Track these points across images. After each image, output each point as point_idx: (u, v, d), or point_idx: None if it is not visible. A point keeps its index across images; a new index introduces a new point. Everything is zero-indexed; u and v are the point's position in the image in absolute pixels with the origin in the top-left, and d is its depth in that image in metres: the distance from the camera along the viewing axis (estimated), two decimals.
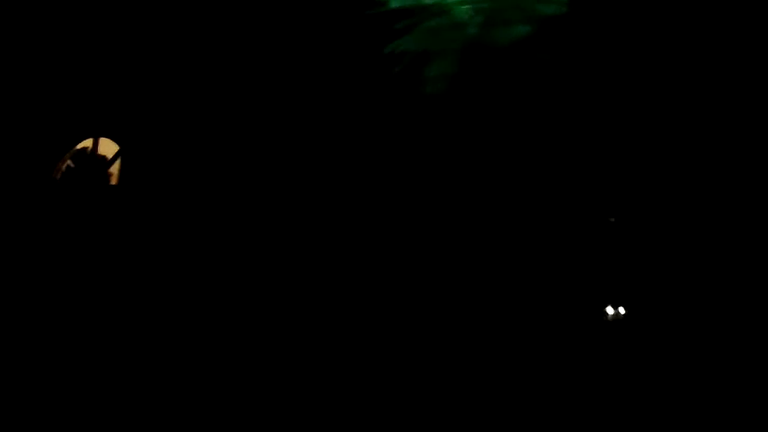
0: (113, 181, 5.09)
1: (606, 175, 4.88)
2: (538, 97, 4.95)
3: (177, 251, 4.92)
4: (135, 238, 4.92)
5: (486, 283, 4.80)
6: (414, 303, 4.76)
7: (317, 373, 4.46)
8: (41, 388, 4.51)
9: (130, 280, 4.85)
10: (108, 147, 5.08)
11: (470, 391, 4.36)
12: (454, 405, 4.28)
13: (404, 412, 4.25)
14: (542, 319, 4.72)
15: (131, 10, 4.96)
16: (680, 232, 4.75)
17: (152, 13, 5.00)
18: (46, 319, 4.79)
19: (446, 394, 4.34)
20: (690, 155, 4.76)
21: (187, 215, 4.96)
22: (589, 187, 4.85)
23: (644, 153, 4.85)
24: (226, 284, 4.89)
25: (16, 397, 4.36)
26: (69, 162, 5.05)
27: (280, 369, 4.50)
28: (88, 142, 5.08)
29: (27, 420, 4.23)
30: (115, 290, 4.83)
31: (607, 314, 4.77)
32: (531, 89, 4.95)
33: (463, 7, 4.97)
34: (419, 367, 4.47)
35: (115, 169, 5.06)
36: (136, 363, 4.66)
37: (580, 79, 4.94)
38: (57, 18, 4.95)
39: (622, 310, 4.77)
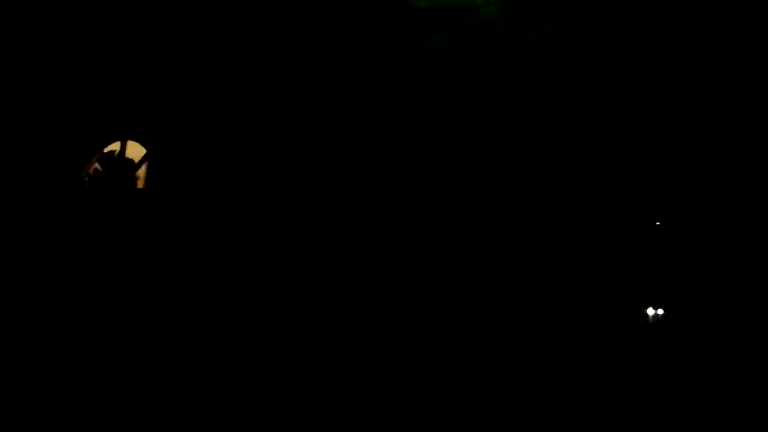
0: (140, 184, 5.07)
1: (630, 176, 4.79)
2: (563, 97, 4.88)
3: (201, 254, 4.88)
4: (160, 241, 4.89)
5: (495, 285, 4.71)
6: (421, 303, 4.67)
7: (316, 372, 4.40)
8: (52, 387, 4.47)
9: (154, 283, 4.82)
10: (135, 150, 5.07)
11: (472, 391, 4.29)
12: (454, 405, 4.21)
13: (402, 412, 4.17)
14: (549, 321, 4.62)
15: (159, 16, 5.00)
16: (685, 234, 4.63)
17: (178, 18, 5.03)
18: (70, 320, 4.77)
19: (447, 394, 4.27)
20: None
21: (211, 219, 4.92)
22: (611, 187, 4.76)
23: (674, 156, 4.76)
24: (249, 284, 4.83)
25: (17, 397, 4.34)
26: (96, 165, 5.05)
27: (279, 369, 4.45)
28: (115, 145, 5.07)
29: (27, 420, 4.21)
30: (139, 292, 4.79)
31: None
32: (557, 89, 4.89)
33: (491, 7, 4.95)
34: (418, 367, 4.40)
35: (141, 172, 5.05)
36: (158, 362, 4.62)
37: (605, 79, 4.87)
38: (87, 22, 5.00)
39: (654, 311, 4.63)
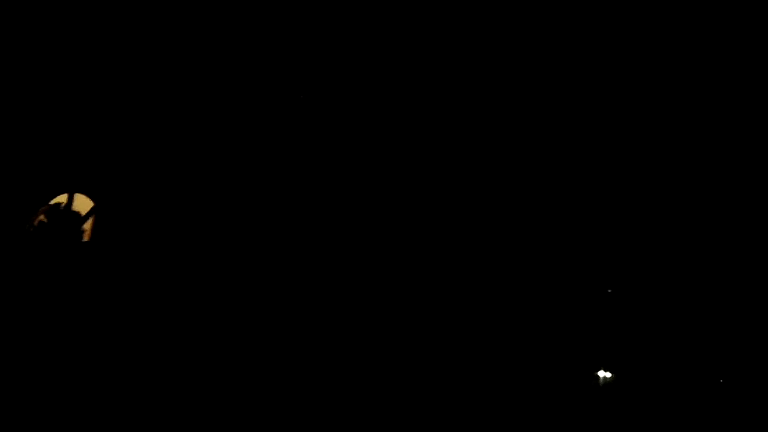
0: (86, 237, 4.99)
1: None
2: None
3: (150, 310, 4.79)
4: (108, 294, 4.80)
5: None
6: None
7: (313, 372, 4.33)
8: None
9: (104, 333, 4.71)
10: (82, 203, 5.00)
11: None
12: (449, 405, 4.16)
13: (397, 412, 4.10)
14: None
15: (103, 65, 4.98)
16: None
17: (121, 69, 5.02)
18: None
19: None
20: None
21: (161, 272, 4.85)
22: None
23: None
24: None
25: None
26: (42, 217, 4.96)
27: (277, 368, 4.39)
28: (62, 198, 5.00)
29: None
30: (90, 342, 4.68)
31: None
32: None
33: None
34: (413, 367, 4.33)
35: (88, 225, 4.97)
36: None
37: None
38: (35, 71, 4.97)
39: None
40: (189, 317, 4.81)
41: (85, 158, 4.95)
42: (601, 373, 4.53)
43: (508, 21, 4.76)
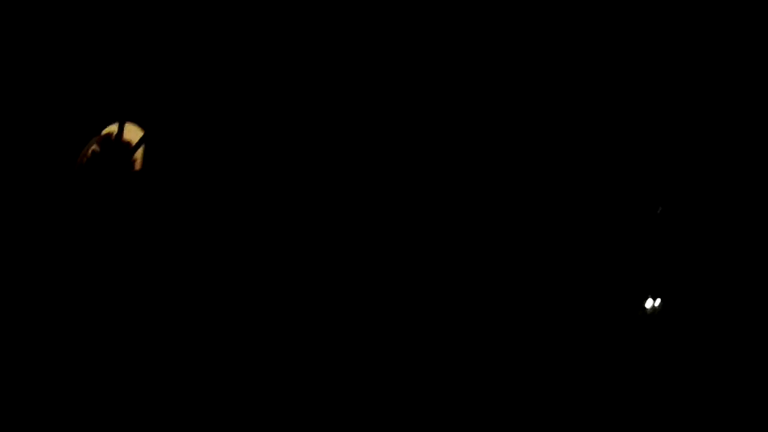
0: (137, 166, 5.08)
1: None
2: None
3: (198, 239, 4.87)
4: (158, 224, 4.90)
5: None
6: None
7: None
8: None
9: (151, 267, 4.83)
10: (133, 132, 5.07)
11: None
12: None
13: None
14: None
15: None
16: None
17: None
18: (65, 307, 4.80)
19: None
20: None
21: (210, 201, 4.92)
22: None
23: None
24: (248, 273, 4.82)
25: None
26: (94, 147, 5.06)
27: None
28: (113, 128, 5.08)
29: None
30: (136, 275, 4.81)
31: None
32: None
33: None
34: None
35: (139, 154, 5.06)
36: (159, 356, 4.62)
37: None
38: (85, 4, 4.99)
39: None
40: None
41: (134, 87, 5.01)
42: (649, 302, 4.47)
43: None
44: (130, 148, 5.08)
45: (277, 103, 5.00)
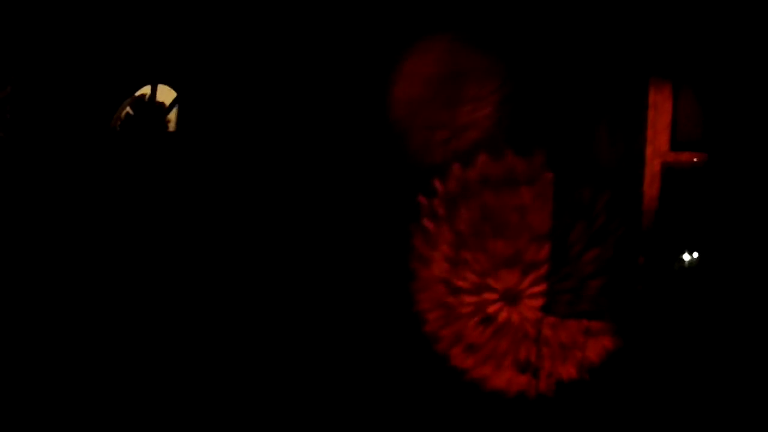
0: (171, 128, 5.12)
1: None
2: None
3: (232, 199, 4.87)
4: (192, 185, 4.92)
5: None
6: None
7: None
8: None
9: (189, 226, 4.86)
10: (166, 94, 5.11)
11: None
12: None
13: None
14: None
15: None
16: None
17: None
18: (105, 264, 4.85)
19: None
20: None
21: (243, 162, 4.91)
22: None
23: None
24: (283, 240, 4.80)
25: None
26: (128, 109, 5.09)
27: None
28: (145, 90, 5.11)
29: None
30: (171, 238, 4.84)
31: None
32: None
33: None
34: None
35: (173, 115, 5.10)
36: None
37: None
38: None
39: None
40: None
41: (165, 49, 5.03)
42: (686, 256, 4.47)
43: None
44: (164, 110, 5.11)
45: (309, 69, 4.95)
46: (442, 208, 4.42)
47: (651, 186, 4.27)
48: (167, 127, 5.12)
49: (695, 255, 4.36)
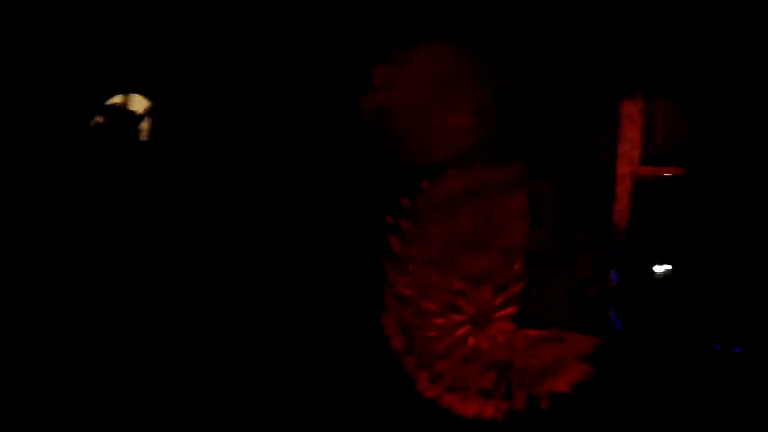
0: (143, 137, 5.03)
1: None
2: None
3: (206, 209, 4.82)
4: (166, 194, 4.86)
5: None
6: None
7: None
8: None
9: (159, 237, 4.80)
10: (138, 103, 5.02)
11: None
12: None
13: None
14: None
15: None
16: None
17: None
18: (74, 274, 4.80)
19: None
20: None
21: (217, 171, 4.85)
22: None
23: None
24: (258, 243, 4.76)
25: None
26: (99, 118, 5.01)
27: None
28: (118, 98, 5.02)
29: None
30: (143, 248, 4.78)
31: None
32: None
33: None
34: None
35: (145, 124, 5.01)
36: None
37: None
38: None
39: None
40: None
41: (138, 57, 4.94)
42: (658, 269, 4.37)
43: None
44: (136, 119, 5.02)
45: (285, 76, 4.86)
46: (411, 225, 4.29)
47: (622, 200, 4.15)
48: (140, 137, 5.03)
49: (668, 268, 4.28)
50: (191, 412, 4.30)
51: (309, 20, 4.75)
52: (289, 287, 4.39)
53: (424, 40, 4.46)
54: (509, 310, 4.14)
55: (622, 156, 4.10)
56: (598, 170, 4.14)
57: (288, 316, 4.36)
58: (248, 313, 4.46)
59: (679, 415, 3.86)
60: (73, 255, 4.80)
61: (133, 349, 4.55)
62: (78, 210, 4.86)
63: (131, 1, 4.91)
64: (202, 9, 4.84)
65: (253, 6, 4.79)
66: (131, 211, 4.86)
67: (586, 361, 4.05)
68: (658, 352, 4.01)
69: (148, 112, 4.97)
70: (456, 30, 4.42)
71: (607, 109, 4.17)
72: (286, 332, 4.33)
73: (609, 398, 4.01)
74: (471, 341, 4.13)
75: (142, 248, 4.80)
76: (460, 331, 4.16)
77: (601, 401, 4.03)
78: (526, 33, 4.33)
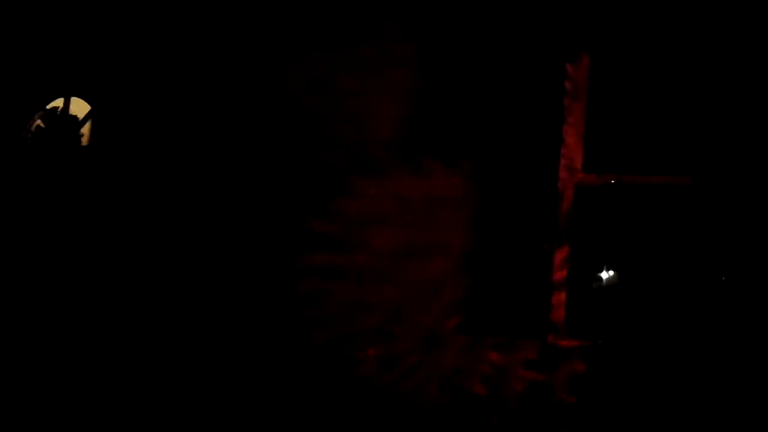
0: (84, 141, 4.93)
1: None
2: None
3: (149, 215, 4.69)
4: (107, 200, 4.73)
5: None
6: None
7: None
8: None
9: (102, 244, 4.68)
10: (79, 107, 4.93)
11: None
12: None
13: None
14: None
15: None
16: None
17: None
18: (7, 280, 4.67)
19: None
20: None
21: (160, 177, 4.73)
22: None
23: None
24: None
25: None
26: (39, 122, 4.90)
27: None
28: (58, 102, 4.92)
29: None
30: (82, 250, 4.66)
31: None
32: None
33: None
34: None
35: (86, 129, 4.91)
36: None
37: None
38: None
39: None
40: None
41: (80, 60, 4.83)
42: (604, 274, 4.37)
43: None
44: (77, 123, 4.92)
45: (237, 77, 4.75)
46: (342, 233, 4.06)
47: (565, 204, 4.08)
48: (80, 141, 4.92)
49: (612, 273, 4.26)
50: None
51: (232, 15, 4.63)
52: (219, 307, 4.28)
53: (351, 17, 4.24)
54: (455, 320, 3.98)
55: (564, 162, 4.06)
56: (539, 176, 4.09)
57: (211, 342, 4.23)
58: (159, 318, 4.36)
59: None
60: (8, 260, 4.68)
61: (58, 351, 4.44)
62: (15, 215, 4.74)
63: (73, 3, 4.82)
64: (140, 11, 4.75)
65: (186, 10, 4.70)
66: (69, 216, 4.74)
67: (532, 367, 3.97)
68: (607, 357, 3.95)
69: (89, 117, 4.88)
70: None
71: (550, 112, 4.11)
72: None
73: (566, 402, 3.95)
74: (413, 359, 3.94)
75: (77, 251, 4.66)
76: (401, 351, 3.89)
77: (556, 406, 3.97)
78: (460, 23, 4.20)
